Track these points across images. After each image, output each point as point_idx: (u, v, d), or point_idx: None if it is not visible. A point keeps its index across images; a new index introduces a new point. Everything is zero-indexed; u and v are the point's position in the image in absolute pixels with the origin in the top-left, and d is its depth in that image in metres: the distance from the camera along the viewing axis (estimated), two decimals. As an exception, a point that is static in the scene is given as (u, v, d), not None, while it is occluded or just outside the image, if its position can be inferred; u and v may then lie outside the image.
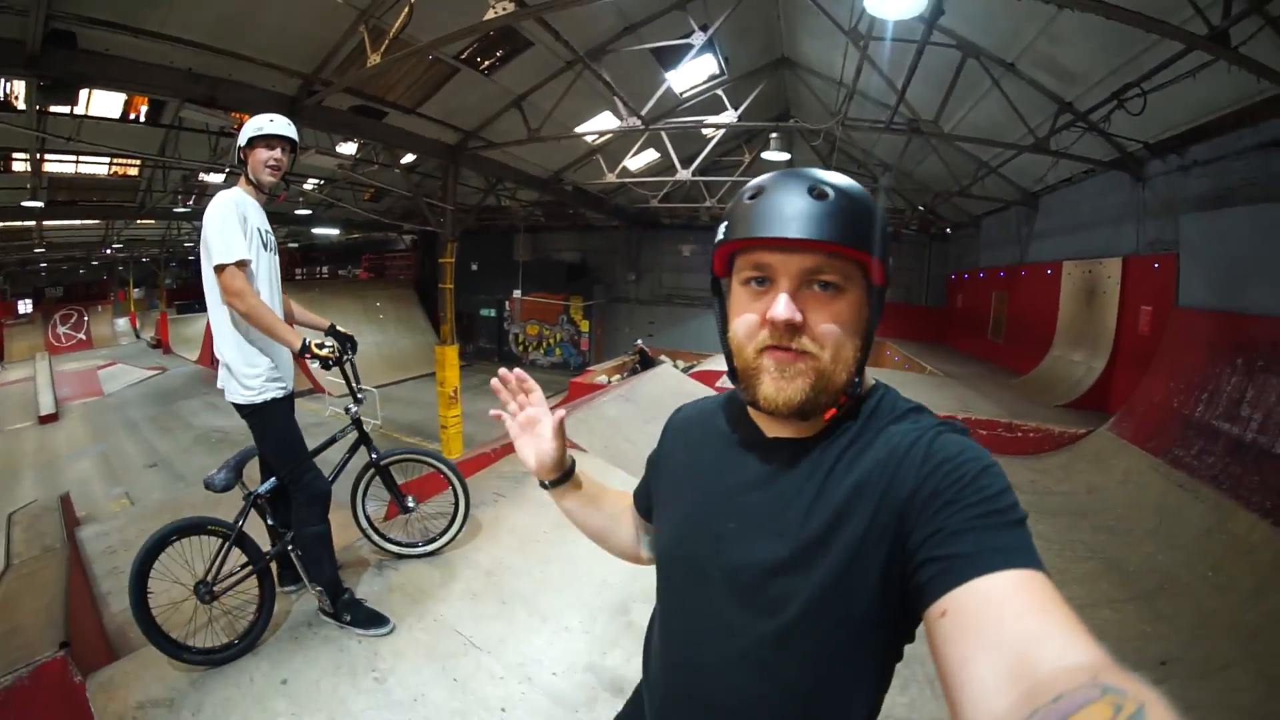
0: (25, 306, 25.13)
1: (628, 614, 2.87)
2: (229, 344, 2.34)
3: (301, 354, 2.32)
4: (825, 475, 0.74)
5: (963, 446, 0.69)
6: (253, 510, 2.51)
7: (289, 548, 2.48)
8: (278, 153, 2.39)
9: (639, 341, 14.46)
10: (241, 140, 2.38)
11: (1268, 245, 4.74)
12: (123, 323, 26.85)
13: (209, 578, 2.33)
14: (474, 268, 19.78)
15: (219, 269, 2.25)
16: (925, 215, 12.78)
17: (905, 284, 15.27)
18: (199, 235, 2.38)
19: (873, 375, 0.83)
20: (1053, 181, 8.52)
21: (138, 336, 26.46)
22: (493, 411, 1.06)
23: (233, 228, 2.26)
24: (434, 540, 3.02)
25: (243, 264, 2.26)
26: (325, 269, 24.97)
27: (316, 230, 16.38)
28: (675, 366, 13.20)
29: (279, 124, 2.39)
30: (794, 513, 0.74)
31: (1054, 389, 7.48)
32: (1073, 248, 8.18)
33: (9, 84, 6.55)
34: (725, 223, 0.77)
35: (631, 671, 2.51)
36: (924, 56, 5.77)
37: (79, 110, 7.31)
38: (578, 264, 20.47)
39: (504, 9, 4.69)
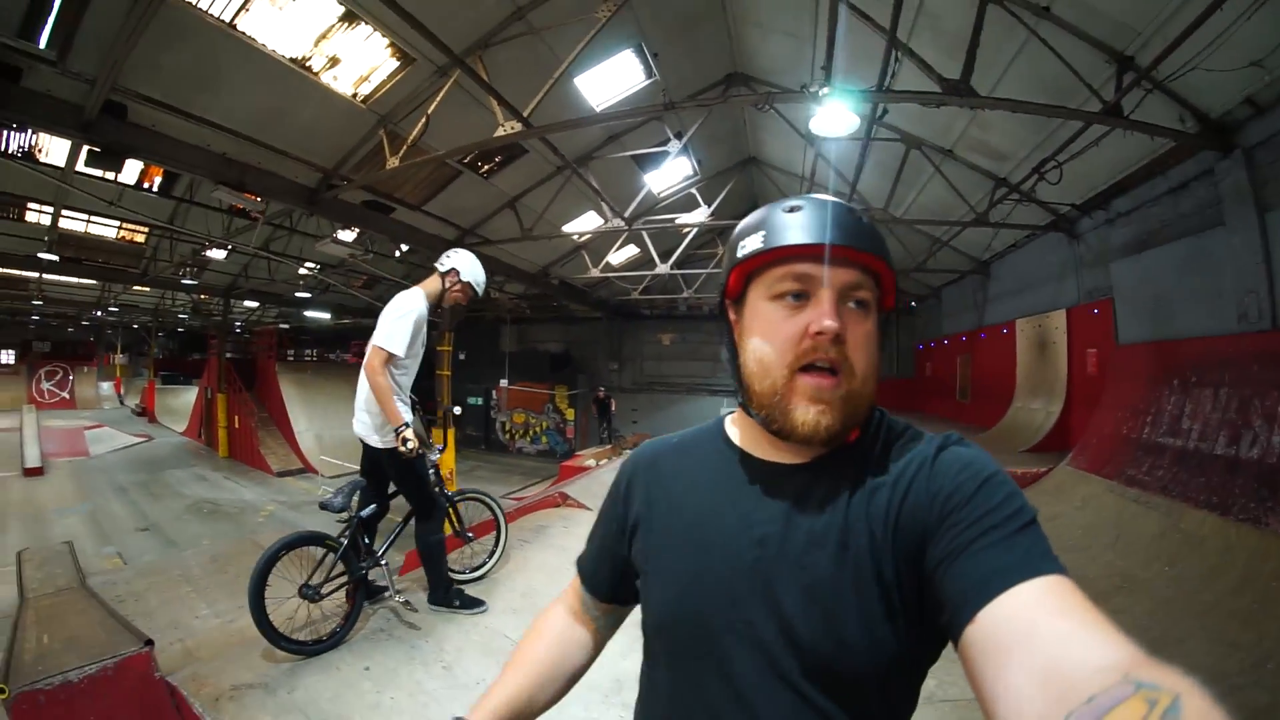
0: (8, 357, 24.68)
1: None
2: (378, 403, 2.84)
3: (398, 431, 2.78)
4: (844, 504, 0.70)
5: (964, 462, 0.67)
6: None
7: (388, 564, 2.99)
8: (466, 303, 3.14)
9: (601, 389, 14.44)
10: (457, 271, 3.05)
11: (1185, 276, 5.39)
12: (107, 387, 26.25)
13: (313, 581, 2.76)
14: (461, 357, 20.15)
15: (374, 347, 2.80)
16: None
17: (876, 358, 15.78)
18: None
19: None
20: (999, 248, 9.36)
21: (121, 403, 25.76)
22: None
23: (407, 327, 2.83)
24: (479, 568, 3.62)
25: (391, 356, 2.79)
26: (313, 351, 24.98)
27: (309, 313, 16.69)
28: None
29: (481, 286, 3.16)
30: (819, 550, 0.68)
31: (1018, 436, 7.96)
32: (1023, 306, 8.91)
33: (34, 135, 6.71)
34: (752, 236, 0.73)
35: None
36: (872, 150, 6.65)
37: (109, 176, 7.61)
38: (561, 354, 21.05)
39: (512, 128, 5.49)
